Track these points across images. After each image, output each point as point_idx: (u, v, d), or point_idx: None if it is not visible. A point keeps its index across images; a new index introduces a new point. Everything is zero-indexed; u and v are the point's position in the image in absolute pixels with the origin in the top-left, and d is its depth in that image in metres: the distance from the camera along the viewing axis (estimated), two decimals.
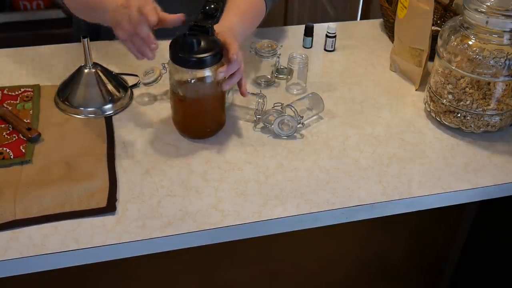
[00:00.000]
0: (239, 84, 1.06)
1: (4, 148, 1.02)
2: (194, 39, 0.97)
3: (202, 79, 1.01)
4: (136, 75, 1.24)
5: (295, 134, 1.10)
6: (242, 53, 1.05)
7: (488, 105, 1.07)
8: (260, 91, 1.17)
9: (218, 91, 1.04)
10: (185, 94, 1.03)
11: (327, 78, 1.30)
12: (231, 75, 1.02)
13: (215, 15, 1.02)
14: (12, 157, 1.00)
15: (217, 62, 0.99)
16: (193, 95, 1.04)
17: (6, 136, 1.06)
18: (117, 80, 1.19)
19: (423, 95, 1.21)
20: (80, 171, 0.98)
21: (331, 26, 1.38)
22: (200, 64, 0.98)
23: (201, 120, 1.08)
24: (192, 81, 1.01)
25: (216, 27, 1.08)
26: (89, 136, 1.08)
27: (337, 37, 1.39)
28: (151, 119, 1.13)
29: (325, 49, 1.41)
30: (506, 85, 1.05)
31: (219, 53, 0.99)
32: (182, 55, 0.97)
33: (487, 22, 1.01)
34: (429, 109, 1.16)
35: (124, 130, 1.10)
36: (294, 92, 1.24)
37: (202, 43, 0.98)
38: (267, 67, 1.25)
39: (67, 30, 1.26)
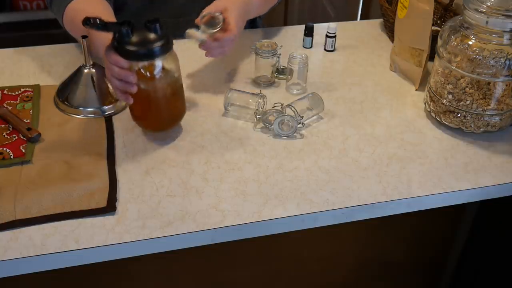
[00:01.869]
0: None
1: (4, 148, 1.02)
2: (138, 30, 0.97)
3: (149, 70, 1.00)
4: None
5: (295, 134, 1.10)
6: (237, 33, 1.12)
7: (488, 105, 1.07)
8: (260, 91, 1.17)
9: (169, 81, 1.03)
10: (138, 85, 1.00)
11: (327, 78, 1.30)
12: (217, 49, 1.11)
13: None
14: (12, 157, 1.00)
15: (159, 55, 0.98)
16: (144, 86, 1.01)
17: (6, 136, 1.06)
18: None
19: (423, 95, 1.21)
20: (80, 171, 0.98)
21: (331, 26, 1.38)
22: (148, 56, 0.97)
23: (154, 112, 1.05)
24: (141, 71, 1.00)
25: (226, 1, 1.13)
26: (89, 136, 1.08)
27: (337, 37, 1.39)
28: None
29: (325, 49, 1.41)
30: (506, 85, 1.05)
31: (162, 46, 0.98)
32: (127, 48, 0.96)
33: (487, 22, 1.01)
34: (429, 109, 1.16)
35: (124, 130, 1.10)
36: (294, 92, 1.24)
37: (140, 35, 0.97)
38: (267, 67, 1.25)
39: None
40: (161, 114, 1.06)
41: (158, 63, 0.99)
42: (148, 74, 1.00)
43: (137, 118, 1.08)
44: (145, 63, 0.99)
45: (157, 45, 0.96)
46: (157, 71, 1.00)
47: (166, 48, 0.98)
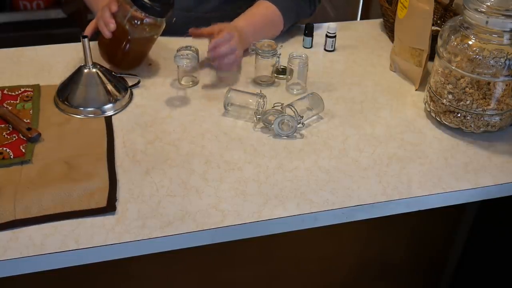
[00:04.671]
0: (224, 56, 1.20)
1: (4, 148, 1.02)
2: None
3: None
4: (136, 75, 1.25)
5: (295, 134, 1.10)
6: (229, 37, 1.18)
7: (488, 105, 1.07)
8: (260, 91, 1.17)
9: (148, 36, 1.21)
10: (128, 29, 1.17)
11: (327, 78, 1.30)
12: (218, 48, 1.17)
13: None
14: (12, 157, 1.00)
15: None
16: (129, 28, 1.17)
17: (6, 136, 1.06)
18: (117, 80, 1.19)
19: (423, 95, 1.21)
20: (80, 171, 0.98)
21: (331, 26, 1.38)
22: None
23: (125, 52, 1.22)
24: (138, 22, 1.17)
25: (223, 24, 1.21)
26: (89, 136, 1.08)
27: (337, 37, 1.39)
28: (151, 119, 1.14)
29: (325, 49, 1.41)
30: (506, 85, 1.05)
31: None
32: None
33: (487, 22, 1.01)
34: (429, 109, 1.16)
35: (124, 130, 1.10)
36: (294, 92, 1.24)
37: None
38: (267, 67, 1.25)
39: (67, 30, 1.27)
40: (128, 55, 1.23)
41: (148, 18, 1.17)
42: (136, 21, 1.17)
43: (108, 53, 1.24)
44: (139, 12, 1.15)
45: (157, 6, 1.15)
46: (145, 21, 1.17)
47: (162, 11, 1.16)
